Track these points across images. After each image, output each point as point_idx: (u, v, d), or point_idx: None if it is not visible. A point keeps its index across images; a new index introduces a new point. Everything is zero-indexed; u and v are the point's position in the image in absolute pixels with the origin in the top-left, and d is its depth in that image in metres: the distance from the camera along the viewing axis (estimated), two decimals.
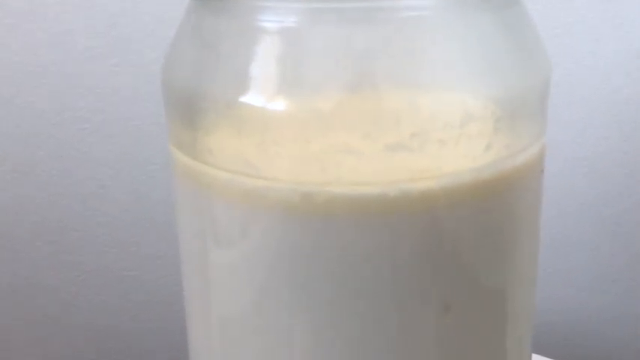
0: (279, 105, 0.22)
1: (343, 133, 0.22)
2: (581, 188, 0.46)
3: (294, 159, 0.23)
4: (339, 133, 0.22)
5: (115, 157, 0.45)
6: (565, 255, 0.47)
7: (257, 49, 0.23)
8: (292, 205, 0.23)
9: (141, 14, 0.42)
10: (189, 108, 0.24)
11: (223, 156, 0.23)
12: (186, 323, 0.28)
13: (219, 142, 0.24)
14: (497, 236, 0.24)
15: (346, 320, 0.23)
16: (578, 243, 0.47)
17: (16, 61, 0.43)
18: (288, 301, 0.24)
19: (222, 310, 0.25)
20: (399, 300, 0.23)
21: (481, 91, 0.23)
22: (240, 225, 0.24)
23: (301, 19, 0.22)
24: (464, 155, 0.23)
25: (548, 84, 0.25)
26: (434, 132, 0.22)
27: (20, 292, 0.46)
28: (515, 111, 0.24)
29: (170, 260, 0.47)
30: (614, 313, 0.48)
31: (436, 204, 0.23)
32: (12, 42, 0.43)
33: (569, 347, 0.49)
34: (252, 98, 0.23)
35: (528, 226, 0.25)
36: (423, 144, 0.22)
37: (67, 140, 0.44)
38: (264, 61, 0.23)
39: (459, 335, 0.24)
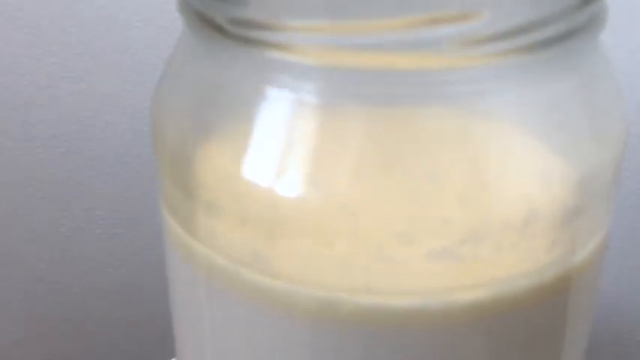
0: (293, 189, 0.18)
1: (376, 235, 0.18)
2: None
3: (313, 259, 0.18)
4: (370, 234, 0.18)
5: (98, 153, 0.40)
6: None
7: (270, 115, 0.18)
8: (310, 312, 0.18)
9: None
10: (182, 172, 0.20)
11: (226, 240, 0.19)
12: None
13: (220, 222, 0.19)
14: (551, 339, 0.20)
15: None
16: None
17: None
18: None
19: None
20: None
21: (550, 178, 0.18)
22: (244, 326, 0.20)
23: (326, 85, 0.18)
24: (522, 259, 0.18)
25: (624, 151, 0.20)
26: (489, 236, 0.18)
27: None
28: (589, 196, 0.19)
29: (150, 258, 0.43)
30: None
31: (485, 315, 0.19)
32: None
33: None
34: (258, 175, 0.18)
35: (584, 319, 0.21)
36: (475, 250, 0.18)
37: (45, 130, 0.39)
38: (278, 132, 0.18)
39: None
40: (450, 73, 0.17)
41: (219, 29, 0.18)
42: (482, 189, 0.18)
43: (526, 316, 0.19)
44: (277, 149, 0.18)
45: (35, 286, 0.43)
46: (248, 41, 0.18)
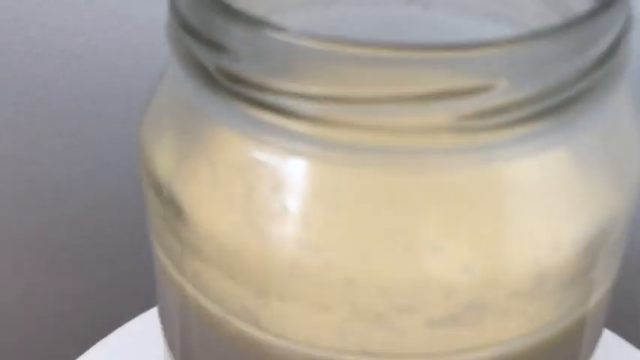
0: (287, 253, 0.17)
1: (375, 303, 0.17)
2: None
3: (306, 321, 0.17)
4: (369, 303, 0.17)
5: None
6: None
7: (262, 173, 0.17)
8: None
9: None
10: (170, 212, 0.18)
11: (216, 289, 0.18)
12: None
13: (208, 270, 0.18)
14: None
15: None
16: None
17: None
18: None
19: None
20: None
21: (560, 240, 0.17)
22: None
23: (321, 151, 0.16)
24: (529, 319, 0.18)
25: None
26: (494, 304, 0.17)
27: None
28: (602, 250, 0.18)
29: None
30: None
31: None
32: None
33: None
34: (249, 236, 0.17)
35: (596, 336, 0.21)
36: (479, 317, 0.17)
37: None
38: (271, 192, 0.17)
39: None
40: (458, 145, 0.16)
41: (208, 75, 0.17)
42: (487, 258, 0.17)
43: None
44: (271, 210, 0.17)
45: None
46: (238, 96, 0.16)
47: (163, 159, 0.18)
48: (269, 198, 0.17)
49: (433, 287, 0.16)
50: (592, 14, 0.15)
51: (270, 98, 0.16)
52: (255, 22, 0.16)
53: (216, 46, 0.16)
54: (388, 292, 0.16)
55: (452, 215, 0.16)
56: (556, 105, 0.16)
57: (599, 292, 0.19)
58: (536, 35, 0.15)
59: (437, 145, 0.16)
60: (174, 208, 0.18)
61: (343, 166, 0.16)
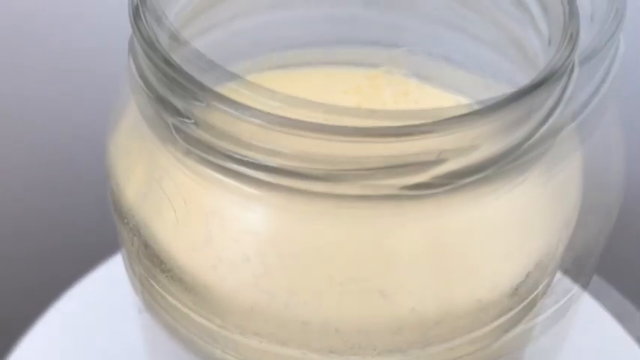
0: (244, 295, 0.18)
1: (328, 341, 0.18)
2: None
3: (267, 352, 0.19)
4: (322, 340, 0.18)
5: None
6: None
7: (225, 223, 0.18)
8: None
9: None
10: (136, 239, 0.19)
11: (180, 315, 0.19)
12: None
13: (174, 301, 0.19)
14: None
15: None
16: None
17: None
18: None
19: None
20: None
21: (500, 280, 0.18)
22: None
23: (280, 209, 0.17)
24: (470, 342, 0.19)
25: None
26: (439, 336, 0.18)
27: None
28: (540, 277, 0.19)
29: None
30: None
31: None
32: None
33: None
34: (207, 276, 0.18)
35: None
36: (424, 347, 0.18)
37: None
38: (231, 240, 0.18)
39: None
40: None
41: (167, 130, 0.17)
42: (433, 300, 0.18)
43: None
44: (231, 256, 0.18)
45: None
46: (194, 155, 0.17)
47: (131, 190, 0.19)
48: (229, 245, 0.17)
49: (383, 327, 0.18)
50: (527, 91, 0.16)
51: (226, 164, 0.16)
52: (207, 94, 0.16)
53: (173, 109, 0.17)
54: (341, 333, 0.18)
55: (399, 263, 0.17)
56: (496, 172, 0.16)
57: (539, 307, 0.20)
58: (478, 112, 0.16)
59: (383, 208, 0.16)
60: (140, 240, 0.19)
61: (298, 220, 0.17)
